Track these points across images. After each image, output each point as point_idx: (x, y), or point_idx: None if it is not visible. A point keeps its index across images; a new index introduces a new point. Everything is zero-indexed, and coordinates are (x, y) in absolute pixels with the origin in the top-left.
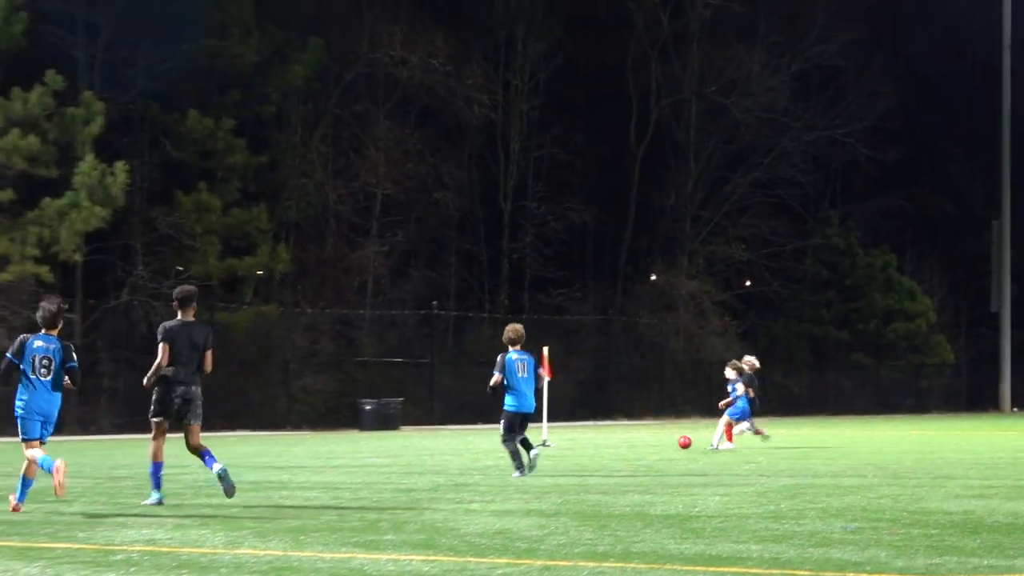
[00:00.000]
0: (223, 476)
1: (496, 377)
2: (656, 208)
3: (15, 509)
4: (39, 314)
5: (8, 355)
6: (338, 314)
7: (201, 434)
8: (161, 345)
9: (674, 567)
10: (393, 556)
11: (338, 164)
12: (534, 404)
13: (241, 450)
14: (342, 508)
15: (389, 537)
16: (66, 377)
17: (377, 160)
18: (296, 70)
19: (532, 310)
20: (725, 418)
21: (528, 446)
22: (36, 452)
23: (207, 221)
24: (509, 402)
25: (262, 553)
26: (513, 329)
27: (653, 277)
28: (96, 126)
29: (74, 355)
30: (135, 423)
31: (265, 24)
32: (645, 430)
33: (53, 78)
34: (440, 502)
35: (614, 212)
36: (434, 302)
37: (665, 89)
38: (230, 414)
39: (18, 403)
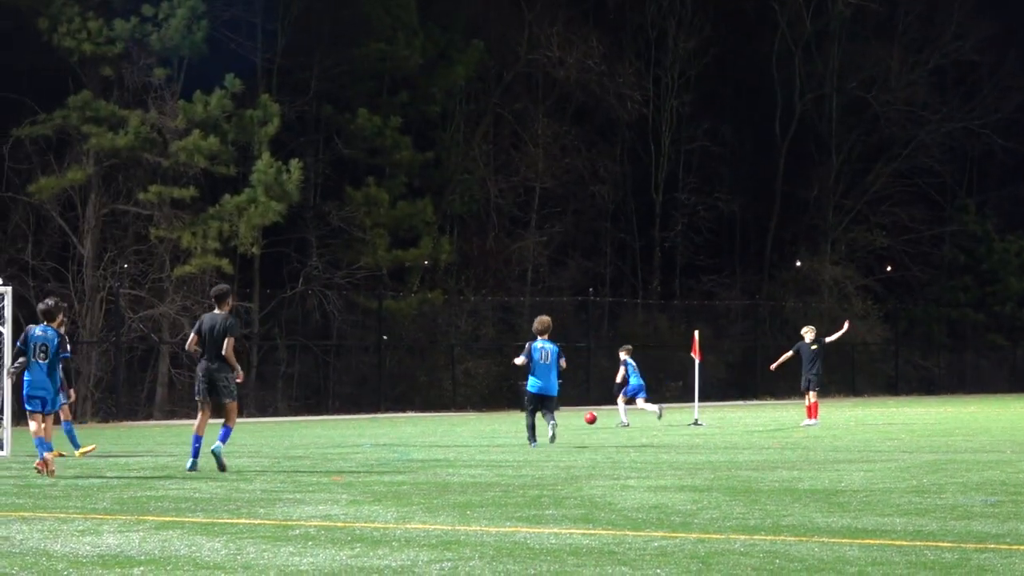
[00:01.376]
0: (216, 454)
1: (521, 359)
2: (800, 198)
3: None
4: (40, 307)
5: (18, 344)
6: (499, 301)
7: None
8: (192, 335)
9: (821, 539)
10: (554, 530)
11: (499, 160)
12: (555, 387)
13: (409, 430)
14: (505, 485)
15: (550, 512)
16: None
17: (536, 156)
18: (459, 71)
19: (683, 296)
20: (622, 396)
21: (550, 419)
22: (36, 426)
23: (376, 214)
24: (532, 383)
25: (431, 527)
26: (540, 321)
27: (798, 263)
28: (272, 127)
29: (67, 346)
30: (310, 405)
31: (429, 27)
32: (792, 409)
33: (232, 82)
34: (598, 478)
35: (760, 202)
36: (590, 289)
37: (808, 84)
38: (400, 397)
39: (24, 382)
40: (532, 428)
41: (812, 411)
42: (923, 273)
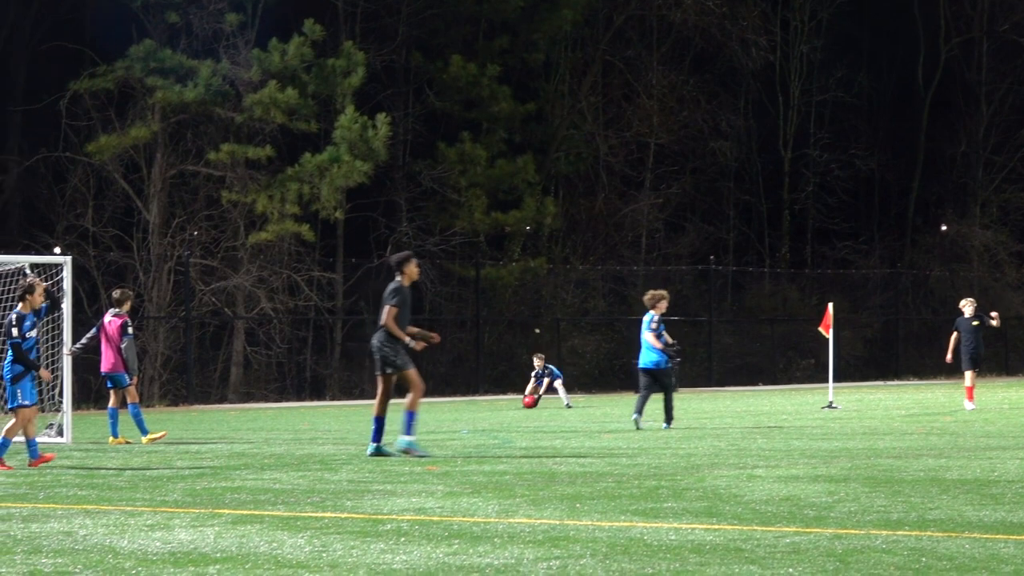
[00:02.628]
0: (405, 450)
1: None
2: (946, 154)
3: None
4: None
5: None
6: (610, 270)
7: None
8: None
9: (972, 535)
10: (674, 525)
11: (609, 113)
12: (650, 359)
13: (510, 415)
14: (619, 474)
15: (669, 505)
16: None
17: (650, 108)
18: (565, 14)
19: (815, 264)
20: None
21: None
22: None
23: (472, 174)
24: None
25: (537, 522)
26: (651, 295)
27: (944, 227)
28: (357, 77)
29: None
30: (400, 387)
31: None
32: (938, 390)
33: (312, 28)
34: (722, 468)
35: (902, 159)
36: (711, 257)
37: (954, 27)
38: (500, 377)
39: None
40: (642, 401)
41: (969, 394)
42: None
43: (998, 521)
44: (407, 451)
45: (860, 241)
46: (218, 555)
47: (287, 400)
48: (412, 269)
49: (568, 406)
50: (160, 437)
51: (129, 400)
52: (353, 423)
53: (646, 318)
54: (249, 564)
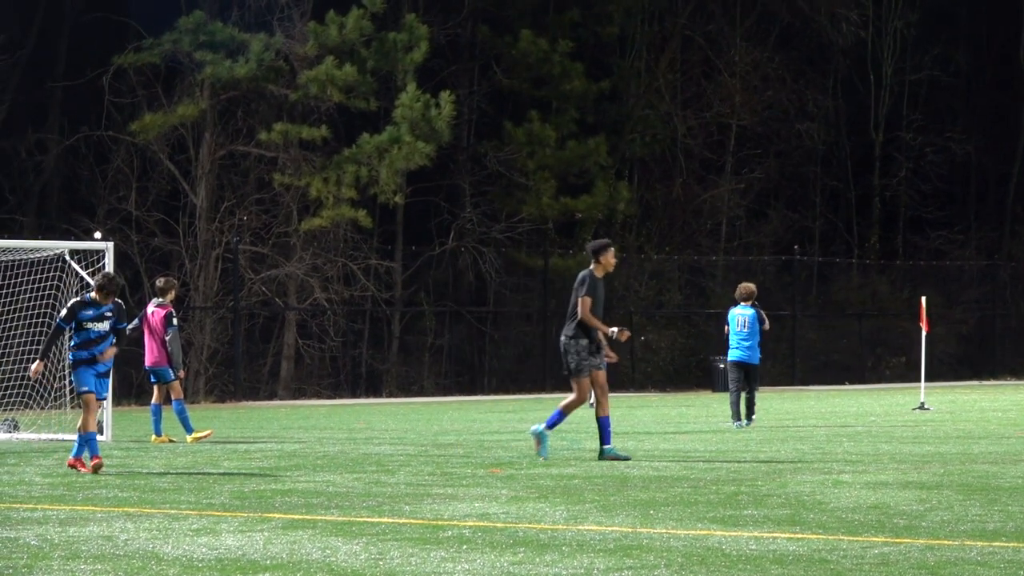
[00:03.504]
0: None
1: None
2: None
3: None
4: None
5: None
6: (687, 261)
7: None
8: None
9: None
10: (754, 533)
11: (688, 92)
12: (754, 356)
13: (579, 415)
14: (695, 479)
15: (749, 512)
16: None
17: (732, 87)
18: None
19: (907, 255)
20: None
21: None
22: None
23: (541, 156)
24: (730, 353)
25: (608, 529)
26: (742, 287)
27: None
28: (419, 53)
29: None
30: (462, 384)
31: None
32: None
33: (372, 0)
34: (805, 472)
35: (1002, 143)
36: (796, 246)
37: None
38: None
39: None
40: (736, 405)
41: None
42: None
43: None
44: (536, 437)
45: (955, 231)
46: (268, 562)
47: (341, 397)
48: (609, 259)
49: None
50: (206, 436)
51: (173, 396)
52: (411, 422)
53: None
54: (301, 572)
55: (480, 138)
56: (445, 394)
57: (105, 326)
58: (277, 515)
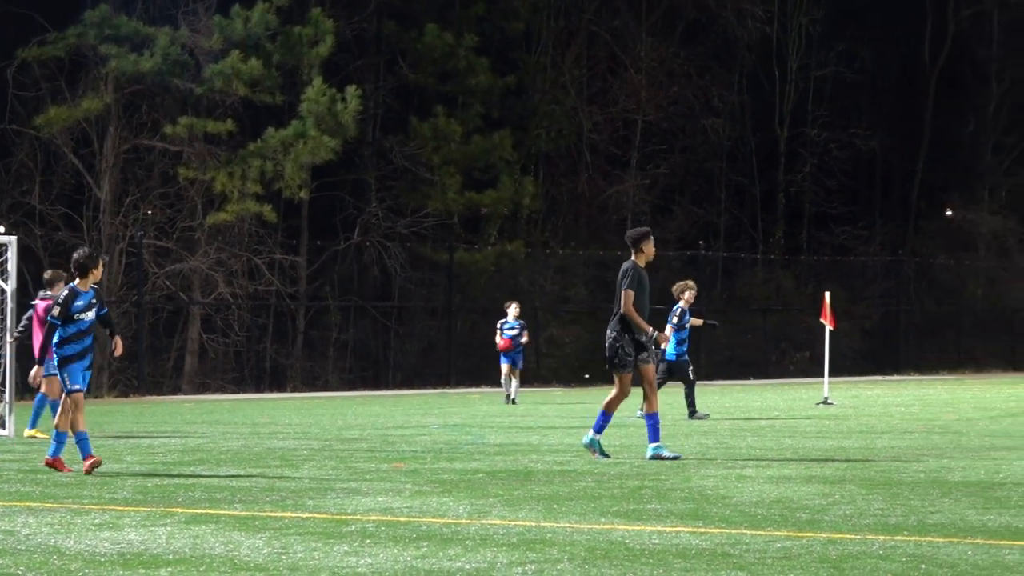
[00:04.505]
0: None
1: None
2: (953, 135)
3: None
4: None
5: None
6: (592, 256)
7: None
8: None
9: (975, 541)
10: (658, 527)
11: (593, 87)
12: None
13: (484, 409)
14: (599, 473)
15: (653, 506)
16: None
17: (638, 83)
18: None
19: (811, 250)
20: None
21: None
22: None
23: (446, 151)
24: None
25: (511, 523)
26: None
27: (949, 213)
28: (325, 47)
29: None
30: (367, 378)
31: None
32: (940, 386)
33: None
34: (709, 467)
35: (905, 139)
36: (701, 242)
37: None
38: (472, 369)
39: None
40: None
41: None
42: None
43: (1003, 526)
44: (588, 447)
45: (859, 226)
46: (170, 557)
47: (245, 392)
48: (649, 247)
49: (512, 401)
50: (41, 438)
51: (43, 388)
52: (315, 417)
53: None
54: (203, 567)
55: (386, 133)
56: (349, 389)
57: (92, 315)
58: (180, 510)
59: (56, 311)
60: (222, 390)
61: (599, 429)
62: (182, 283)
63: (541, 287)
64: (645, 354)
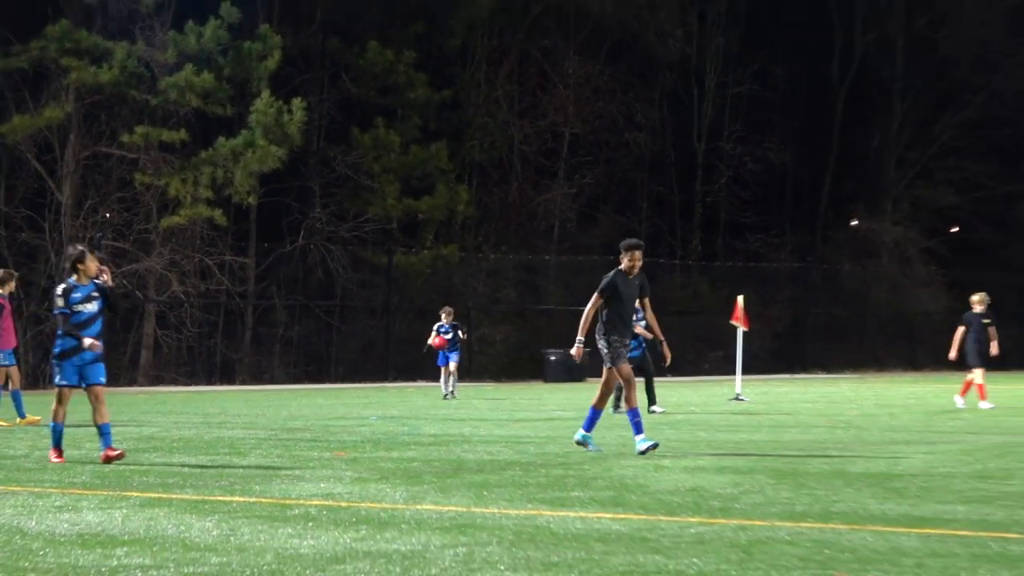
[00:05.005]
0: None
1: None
2: (859, 150)
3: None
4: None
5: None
6: (522, 260)
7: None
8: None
9: (876, 528)
10: (580, 514)
11: (524, 102)
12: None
13: (419, 402)
14: (527, 463)
15: (576, 494)
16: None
17: (565, 98)
18: (482, 2)
19: (726, 256)
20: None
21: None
22: None
23: (386, 160)
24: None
25: (444, 509)
26: None
27: (855, 222)
28: (273, 61)
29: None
30: (310, 373)
31: None
32: (845, 384)
33: (228, 10)
34: (629, 457)
35: (815, 153)
36: None
37: (871, 22)
38: (408, 365)
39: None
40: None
41: (982, 392)
42: (994, 235)
43: (901, 515)
44: (581, 443)
45: (771, 235)
46: (126, 537)
47: (197, 384)
48: (627, 259)
49: (450, 395)
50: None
51: (13, 384)
52: (262, 408)
53: None
54: (156, 547)
55: (329, 142)
56: (294, 382)
57: (94, 307)
58: (135, 493)
59: (60, 302)
60: (175, 382)
61: (640, 428)
62: (138, 282)
63: (474, 289)
64: (624, 351)
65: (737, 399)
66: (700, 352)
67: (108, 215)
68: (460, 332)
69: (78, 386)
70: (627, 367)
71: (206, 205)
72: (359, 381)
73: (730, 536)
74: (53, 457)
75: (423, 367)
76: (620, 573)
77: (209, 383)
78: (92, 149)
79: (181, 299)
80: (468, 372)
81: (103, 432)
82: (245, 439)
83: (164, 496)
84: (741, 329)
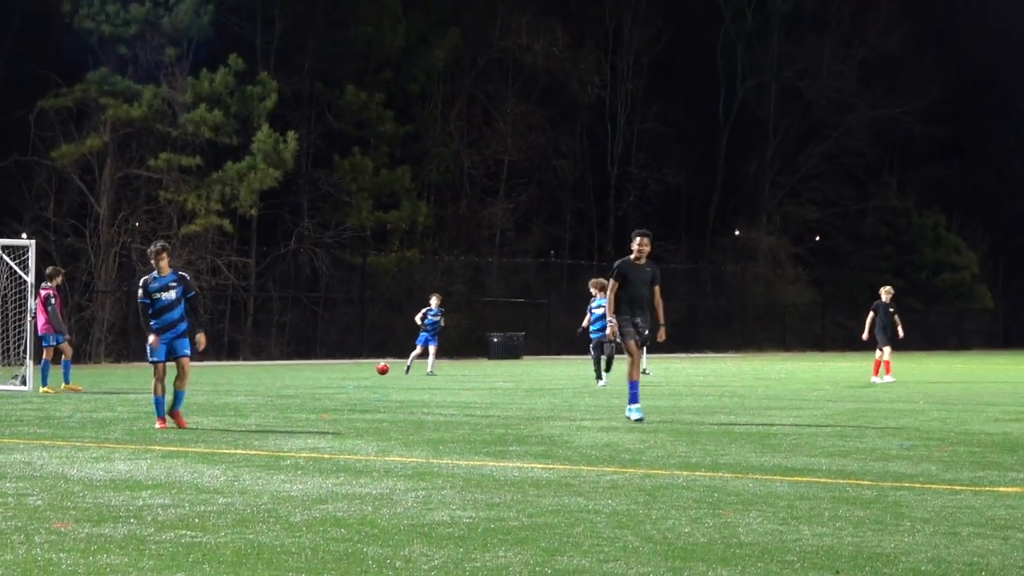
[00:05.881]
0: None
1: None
2: (740, 174)
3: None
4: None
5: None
6: (470, 261)
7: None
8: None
9: (755, 476)
10: (517, 464)
11: (472, 135)
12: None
13: (388, 375)
14: (474, 424)
15: (514, 448)
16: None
17: (505, 132)
18: (438, 54)
19: None
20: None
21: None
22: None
23: (361, 181)
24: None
25: (407, 460)
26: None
27: (737, 232)
28: (271, 101)
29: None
30: (300, 351)
31: (412, 14)
32: (729, 362)
33: (235, 61)
34: (556, 420)
35: (705, 177)
36: (551, 252)
37: (749, 73)
38: (379, 345)
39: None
40: (598, 365)
41: (887, 368)
42: (848, 243)
43: (776, 465)
44: (634, 415)
45: (670, 241)
46: (150, 482)
47: (208, 360)
48: (634, 244)
49: (431, 373)
50: (67, 391)
51: (64, 356)
52: (261, 380)
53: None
54: (175, 490)
55: (316, 166)
56: (287, 359)
57: (172, 295)
58: (157, 447)
59: (140, 292)
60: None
61: (637, 398)
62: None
63: (432, 283)
64: (631, 329)
65: (644, 373)
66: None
67: (137, 224)
68: (441, 320)
69: (168, 361)
70: (632, 343)
71: (217, 216)
72: (339, 358)
73: (638, 482)
74: (158, 424)
75: (390, 347)
76: (550, 512)
77: (217, 359)
78: (125, 171)
79: (197, 293)
80: (426, 350)
81: (178, 397)
82: (247, 404)
83: (181, 449)
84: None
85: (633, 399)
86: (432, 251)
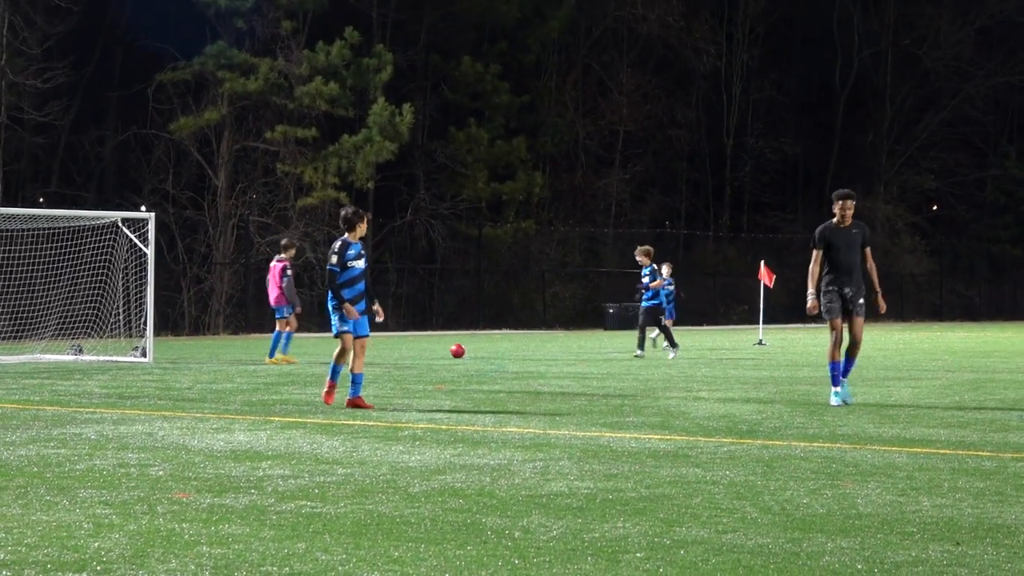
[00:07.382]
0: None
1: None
2: (857, 143)
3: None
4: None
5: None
6: (586, 232)
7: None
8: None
9: (874, 447)
10: (634, 435)
11: (587, 105)
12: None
13: (505, 346)
14: (590, 395)
15: (631, 419)
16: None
17: (620, 102)
18: (553, 25)
19: (750, 229)
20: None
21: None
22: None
23: (476, 152)
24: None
25: (524, 431)
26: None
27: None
28: (386, 74)
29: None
30: (416, 322)
31: None
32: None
33: (351, 33)
34: (673, 391)
35: (821, 146)
36: (667, 222)
37: (866, 41)
38: (496, 316)
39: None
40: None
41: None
42: (967, 212)
43: (894, 436)
44: (840, 399)
45: (786, 211)
46: (270, 453)
47: (326, 331)
48: (837, 207)
49: (670, 352)
50: (279, 362)
51: (287, 328)
52: (378, 351)
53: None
54: (294, 461)
55: (431, 138)
56: (404, 330)
57: (363, 264)
58: (276, 418)
59: (334, 259)
60: (308, 330)
61: (837, 381)
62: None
63: (547, 255)
64: (837, 305)
65: (760, 344)
66: (729, 306)
67: (255, 196)
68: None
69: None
70: (838, 320)
71: (333, 189)
72: (455, 329)
73: (755, 453)
74: (326, 395)
75: (507, 318)
76: (667, 482)
77: (325, 331)
78: (242, 143)
79: (313, 263)
80: (542, 322)
81: (355, 381)
82: (367, 375)
83: (300, 420)
84: (764, 285)
85: (835, 381)
86: (547, 222)
